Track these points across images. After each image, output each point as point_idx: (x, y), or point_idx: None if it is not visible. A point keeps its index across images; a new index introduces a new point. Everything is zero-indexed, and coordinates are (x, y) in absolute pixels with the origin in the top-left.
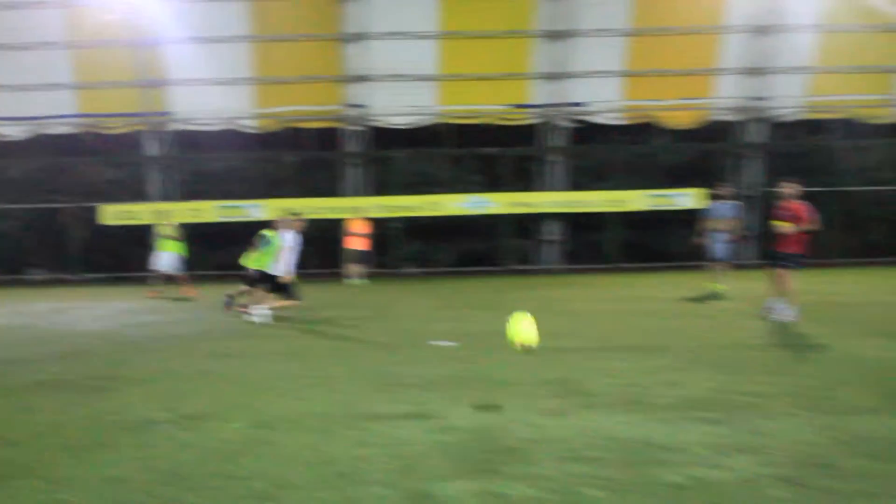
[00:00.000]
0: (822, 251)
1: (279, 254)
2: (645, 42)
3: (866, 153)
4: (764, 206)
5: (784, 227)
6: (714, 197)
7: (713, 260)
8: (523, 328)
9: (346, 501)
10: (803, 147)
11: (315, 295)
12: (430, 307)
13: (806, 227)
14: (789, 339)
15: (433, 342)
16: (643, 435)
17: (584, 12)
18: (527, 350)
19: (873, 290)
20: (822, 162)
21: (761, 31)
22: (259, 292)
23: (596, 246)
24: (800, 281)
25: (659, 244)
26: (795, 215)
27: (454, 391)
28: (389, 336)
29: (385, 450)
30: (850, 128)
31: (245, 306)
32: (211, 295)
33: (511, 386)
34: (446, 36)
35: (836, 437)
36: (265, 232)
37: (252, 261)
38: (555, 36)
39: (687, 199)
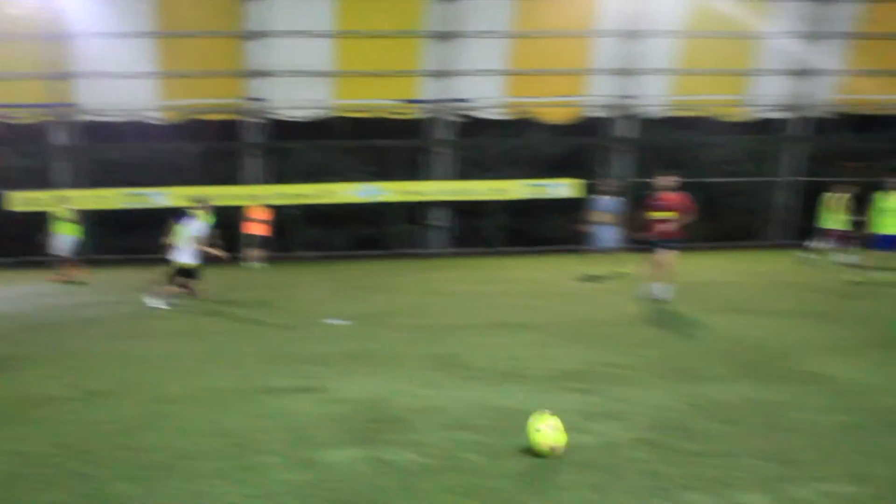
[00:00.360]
0: (686, 237)
1: (188, 240)
2: (525, 43)
3: (724, 148)
4: (632, 197)
5: (667, 216)
6: (599, 191)
7: (602, 248)
8: (548, 430)
9: (242, 470)
10: (668, 142)
11: (216, 278)
12: (326, 289)
13: (687, 216)
14: (656, 316)
15: (328, 321)
16: (519, 404)
17: (470, 15)
18: (556, 452)
19: (730, 272)
20: (685, 156)
21: (630, 35)
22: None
23: (480, 231)
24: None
25: (537, 230)
26: (675, 205)
27: (345, 366)
28: (286, 316)
29: (278, 421)
30: (710, 125)
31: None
32: (115, 278)
33: (398, 360)
34: (342, 35)
35: (693, 403)
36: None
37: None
38: (442, 36)
39: (562, 188)
